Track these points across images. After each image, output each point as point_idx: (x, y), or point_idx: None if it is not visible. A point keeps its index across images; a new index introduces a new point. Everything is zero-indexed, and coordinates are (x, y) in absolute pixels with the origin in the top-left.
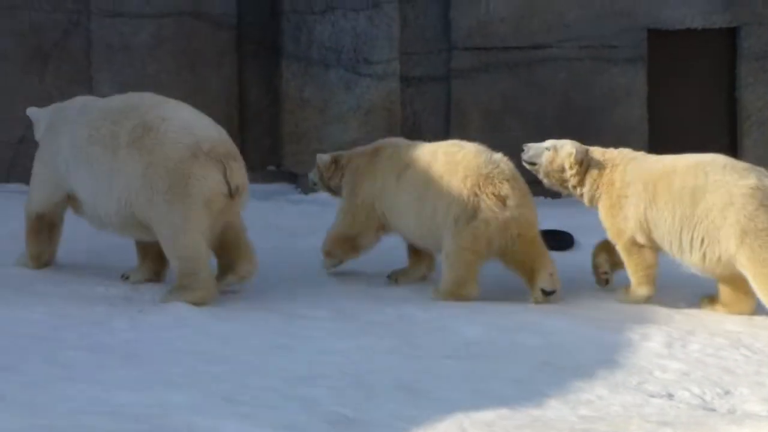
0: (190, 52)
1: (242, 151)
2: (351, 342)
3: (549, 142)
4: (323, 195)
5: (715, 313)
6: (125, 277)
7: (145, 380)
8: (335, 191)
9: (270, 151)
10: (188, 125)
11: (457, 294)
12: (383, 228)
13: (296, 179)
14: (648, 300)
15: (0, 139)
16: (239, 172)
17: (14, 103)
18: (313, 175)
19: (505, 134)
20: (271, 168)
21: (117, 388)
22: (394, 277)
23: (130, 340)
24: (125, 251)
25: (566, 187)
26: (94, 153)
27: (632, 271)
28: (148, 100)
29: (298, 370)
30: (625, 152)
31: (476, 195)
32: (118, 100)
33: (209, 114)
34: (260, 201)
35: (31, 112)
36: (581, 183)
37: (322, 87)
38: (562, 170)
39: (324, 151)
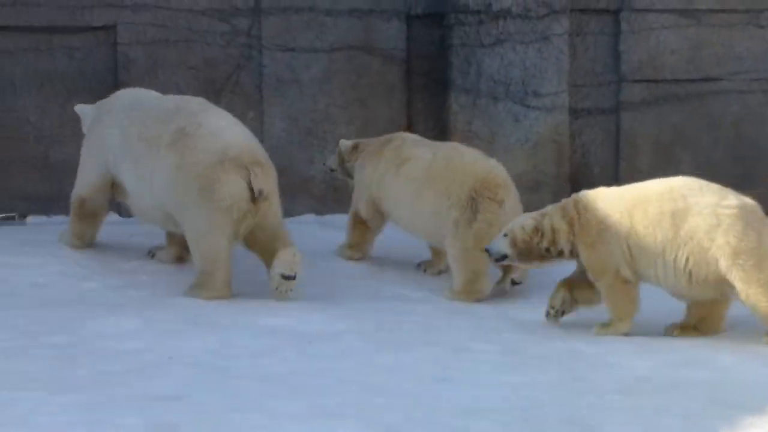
0: (360, 86)
1: None
2: (517, 375)
3: (504, 230)
4: None
5: (690, 337)
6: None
7: (312, 411)
8: (352, 176)
9: None
10: (219, 132)
11: (471, 292)
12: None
13: None
14: (626, 335)
15: None
16: (264, 178)
17: None
18: (331, 162)
19: (676, 167)
20: None
21: (286, 419)
22: (423, 267)
23: (298, 370)
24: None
25: (547, 256)
26: (141, 150)
27: (614, 306)
28: (194, 105)
29: (463, 403)
30: (587, 193)
31: (473, 198)
32: (168, 101)
33: None
34: None
35: (79, 108)
36: (554, 243)
37: (490, 119)
38: (529, 244)
39: None
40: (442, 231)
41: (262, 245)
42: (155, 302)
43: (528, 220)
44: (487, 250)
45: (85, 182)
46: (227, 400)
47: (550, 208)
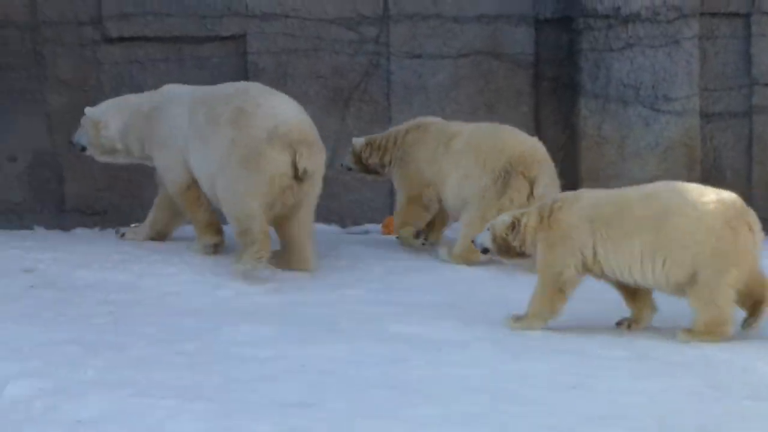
0: (488, 92)
1: None
2: (650, 382)
3: (489, 223)
4: None
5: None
6: (121, 234)
7: (444, 418)
8: (374, 170)
9: (567, 189)
10: (274, 111)
11: (468, 258)
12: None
13: None
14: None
15: None
16: (310, 157)
17: None
18: (348, 161)
19: None
20: None
21: (417, 426)
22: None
23: (429, 378)
24: (416, 290)
25: (522, 252)
26: (208, 131)
27: (537, 303)
28: (253, 89)
29: (597, 410)
30: (567, 194)
31: (507, 171)
32: (230, 86)
33: None
34: None
35: (90, 111)
36: (524, 241)
37: (620, 124)
38: (506, 240)
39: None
40: (466, 194)
41: (290, 222)
42: (287, 310)
43: (507, 216)
44: (473, 242)
45: (175, 175)
46: (359, 407)
47: (532, 207)
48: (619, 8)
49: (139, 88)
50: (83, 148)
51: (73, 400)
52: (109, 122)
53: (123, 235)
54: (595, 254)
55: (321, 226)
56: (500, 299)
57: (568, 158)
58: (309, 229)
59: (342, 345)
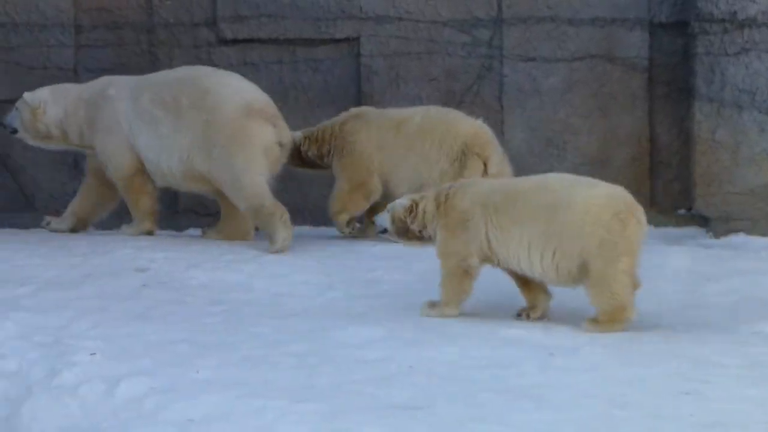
0: (601, 96)
1: (652, 195)
2: (762, 389)
3: (389, 205)
4: (738, 239)
5: None
6: (47, 222)
7: (555, 424)
8: (312, 163)
9: (680, 194)
10: (239, 89)
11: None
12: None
13: (707, 223)
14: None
15: None
16: (284, 130)
17: None
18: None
19: None
20: (681, 212)
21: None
22: None
23: (539, 383)
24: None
25: (421, 237)
26: (158, 116)
27: (447, 290)
28: (205, 70)
29: (707, 418)
30: (463, 181)
31: (464, 153)
32: (177, 71)
33: (619, 157)
34: (669, 245)
35: (29, 96)
36: (424, 225)
37: (734, 129)
38: (404, 222)
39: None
40: (424, 178)
41: None
42: (397, 312)
43: (405, 200)
44: (373, 222)
45: (121, 160)
46: (468, 410)
47: (430, 192)
48: (735, 12)
49: None
50: (14, 131)
51: (184, 400)
52: (48, 108)
53: (49, 223)
54: (489, 241)
55: None
56: None
57: (683, 163)
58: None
59: (452, 348)
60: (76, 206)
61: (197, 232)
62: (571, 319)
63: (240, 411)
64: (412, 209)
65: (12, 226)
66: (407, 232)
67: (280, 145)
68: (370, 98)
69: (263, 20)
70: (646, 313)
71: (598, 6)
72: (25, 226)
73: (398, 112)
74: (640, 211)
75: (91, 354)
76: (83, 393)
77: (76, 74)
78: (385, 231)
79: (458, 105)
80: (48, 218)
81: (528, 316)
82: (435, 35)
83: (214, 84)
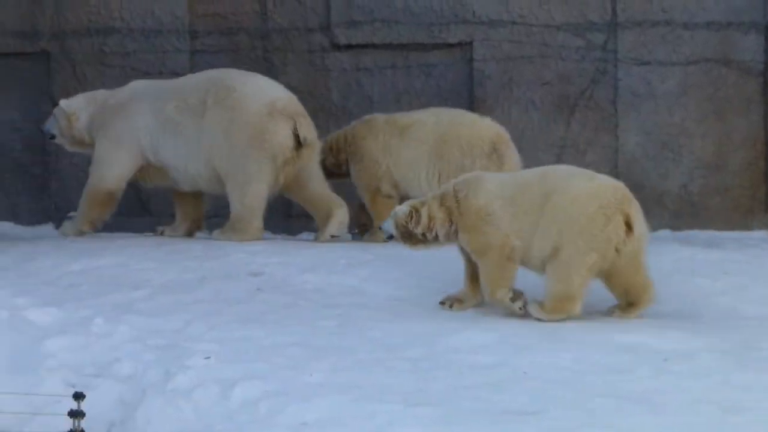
0: (717, 99)
1: (765, 200)
2: None
3: (392, 213)
4: None
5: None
6: (160, 232)
7: (668, 429)
8: (333, 172)
9: None
10: (264, 87)
11: None
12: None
13: None
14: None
15: None
16: (308, 126)
17: (535, 150)
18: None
19: None
20: None
21: None
22: None
23: (653, 388)
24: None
25: (425, 240)
26: (182, 122)
27: (497, 278)
28: (228, 72)
29: None
30: (467, 180)
31: (495, 150)
32: (199, 76)
33: (734, 161)
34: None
35: (65, 103)
36: (430, 229)
37: None
38: (406, 228)
39: None
40: (443, 180)
41: (311, 194)
42: (510, 318)
43: (405, 206)
44: (380, 228)
45: (114, 174)
46: (581, 416)
47: (430, 196)
48: None
49: (366, 96)
50: (53, 137)
51: (298, 403)
52: (81, 115)
53: (163, 233)
54: (512, 228)
55: None
56: (730, 311)
57: None
58: (326, 185)
59: (565, 353)
60: (180, 212)
61: (310, 236)
62: (686, 325)
63: (353, 414)
64: (412, 215)
65: (128, 230)
66: (411, 237)
67: (304, 141)
68: (483, 102)
69: (377, 25)
70: (765, 318)
71: (713, 9)
72: (140, 231)
73: (405, 116)
74: (634, 210)
75: (205, 357)
76: (197, 396)
77: None
78: (391, 237)
79: (572, 109)
80: (161, 228)
81: (451, 306)
82: (548, 39)
83: (239, 83)
